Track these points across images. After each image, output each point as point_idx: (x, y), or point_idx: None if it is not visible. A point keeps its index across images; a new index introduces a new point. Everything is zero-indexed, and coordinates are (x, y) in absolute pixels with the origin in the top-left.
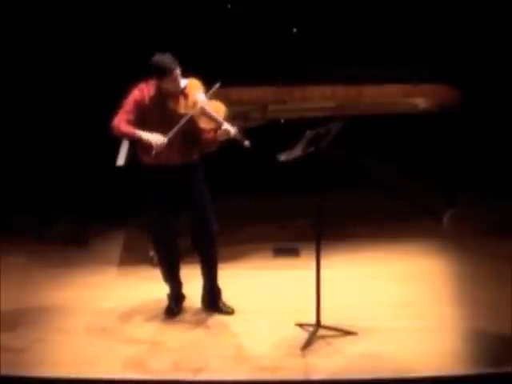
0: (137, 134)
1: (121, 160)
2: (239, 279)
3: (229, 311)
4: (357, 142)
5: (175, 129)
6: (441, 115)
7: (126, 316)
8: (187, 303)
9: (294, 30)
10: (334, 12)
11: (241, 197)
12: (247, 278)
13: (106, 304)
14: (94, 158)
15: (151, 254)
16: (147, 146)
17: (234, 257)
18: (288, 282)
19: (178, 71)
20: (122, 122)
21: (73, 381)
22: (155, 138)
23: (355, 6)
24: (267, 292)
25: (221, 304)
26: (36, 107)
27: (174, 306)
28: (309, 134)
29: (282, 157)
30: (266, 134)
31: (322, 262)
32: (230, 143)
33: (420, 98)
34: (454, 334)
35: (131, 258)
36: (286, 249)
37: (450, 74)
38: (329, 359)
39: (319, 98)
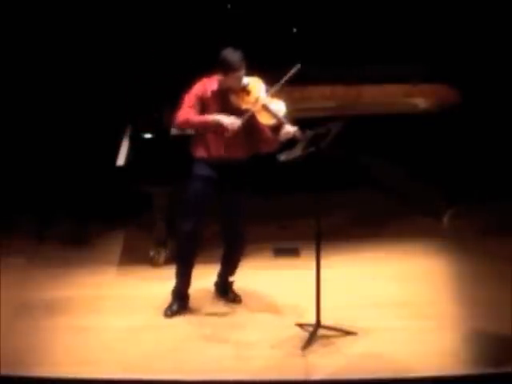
0: (211, 119)
1: (121, 160)
2: (239, 279)
3: (236, 300)
4: (357, 141)
5: (245, 117)
6: (441, 115)
7: (126, 316)
8: (187, 304)
9: (294, 30)
10: (333, 12)
11: None
12: (247, 277)
13: (106, 304)
14: (94, 158)
15: (151, 253)
16: (220, 130)
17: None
18: (288, 282)
19: (243, 71)
20: (190, 114)
21: (73, 381)
22: (230, 121)
23: (355, 5)
24: (267, 292)
25: (231, 294)
26: (36, 107)
27: (175, 307)
28: (309, 134)
29: (282, 157)
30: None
31: (322, 262)
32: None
33: (420, 98)
34: (453, 334)
35: (131, 257)
36: (286, 249)
37: (449, 74)
38: (329, 359)
39: (319, 98)
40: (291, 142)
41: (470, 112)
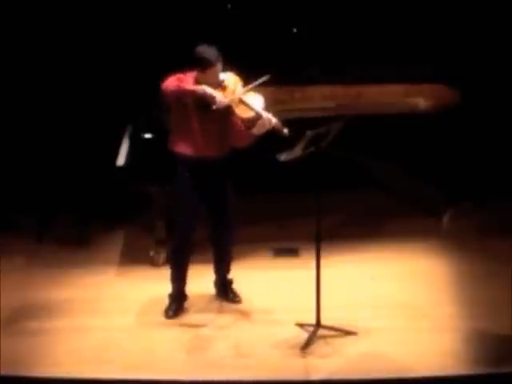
0: (200, 88)
1: (121, 160)
2: (239, 279)
3: (236, 300)
4: (357, 141)
5: (228, 99)
6: (441, 115)
7: (126, 316)
8: (187, 304)
9: (294, 30)
10: (334, 12)
11: (241, 197)
12: (247, 277)
13: (106, 304)
14: (94, 158)
15: (151, 253)
16: (210, 101)
17: (234, 257)
18: (288, 282)
19: (220, 65)
20: (177, 82)
21: (73, 381)
22: (219, 94)
23: (355, 5)
24: (267, 292)
25: (230, 294)
26: (36, 107)
27: (175, 307)
28: (309, 134)
29: (282, 157)
30: (266, 134)
31: (322, 262)
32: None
33: (420, 98)
34: (453, 334)
35: (131, 257)
36: (286, 249)
37: (450, 74)
38: (329, 359)
39: (319, 98)
40: (291, 142)
41: (470, 112)
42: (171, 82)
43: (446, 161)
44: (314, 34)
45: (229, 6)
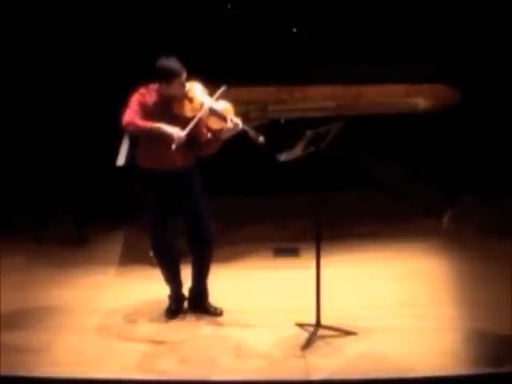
0: (156, 127)
1: (121, 160)
2: (239, 279)
3: (217, 312)
4: (357, 141)
5: (190, 126)
6: (441, 115)
7: (126, 316)
8: (186, 304)
9: (294, 30)
10: (333, 12)
11: (241, 197)
12: (247, 277)
13: (106, 304)
14: (94, 158)
15: (151, 254)
16: (166, 139)
17: (233, 257)
18: (288, 282)
19: (185, 74)
20: (135, 117)
21: (73, 381)
22: (175, 131)
23: (355, 5)
24: (267, 292)
25: (208, 305)
26: (36, 107)
27: (174, 307)
28: (309, 134)
29: (282, 157)
30: (266, 134)
31: (322, 262)
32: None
33: (420, 98)
34: (453, 334)
35: (131, 257)
36: (286, 249)
37: (449, 74)
38: (329, 359)
39: (319, 98)
40: (291, 142)
41: (470, 112)
42: (130, 119)
43: (446, 161)
44: (314, 34)
45: (229, 5)
